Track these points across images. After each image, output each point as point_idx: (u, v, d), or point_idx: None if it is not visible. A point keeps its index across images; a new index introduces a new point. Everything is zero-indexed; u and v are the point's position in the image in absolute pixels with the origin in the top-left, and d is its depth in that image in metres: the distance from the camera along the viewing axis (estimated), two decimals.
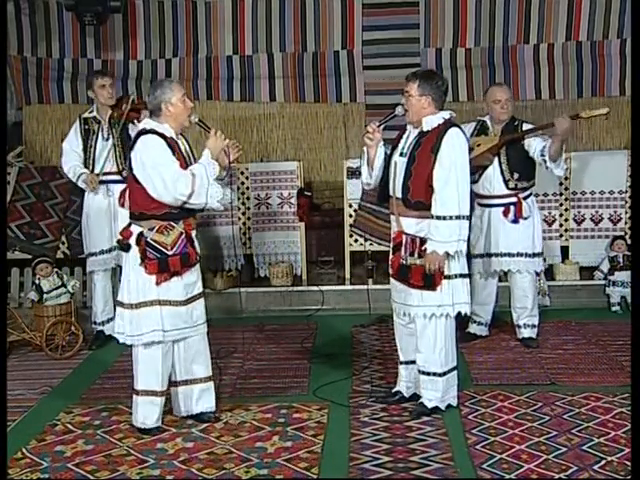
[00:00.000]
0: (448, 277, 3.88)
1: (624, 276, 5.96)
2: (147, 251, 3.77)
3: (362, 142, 4.12)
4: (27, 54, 7.93)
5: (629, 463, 3.33)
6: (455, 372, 4.07)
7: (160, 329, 3.80)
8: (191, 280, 3.92)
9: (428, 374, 4.00)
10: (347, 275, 6.59)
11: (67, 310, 5.44)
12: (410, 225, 3.93)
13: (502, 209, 5.08)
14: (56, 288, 5.50)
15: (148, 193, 3.73)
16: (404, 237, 3.95)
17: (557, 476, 3.31)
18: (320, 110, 7.93)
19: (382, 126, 4.04)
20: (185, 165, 3.80)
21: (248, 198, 6.70)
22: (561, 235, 6.47)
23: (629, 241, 6.08)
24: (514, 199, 5.06)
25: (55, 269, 5.64)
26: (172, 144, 3.79)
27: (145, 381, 3.88)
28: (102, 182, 5.40)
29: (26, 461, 3.63)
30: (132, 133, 5.20)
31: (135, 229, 3.82)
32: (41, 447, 3.79)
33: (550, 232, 6.33)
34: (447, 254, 3.82)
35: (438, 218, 3.80)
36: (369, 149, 4.07)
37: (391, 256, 4.05)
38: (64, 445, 3.80)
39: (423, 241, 3.88)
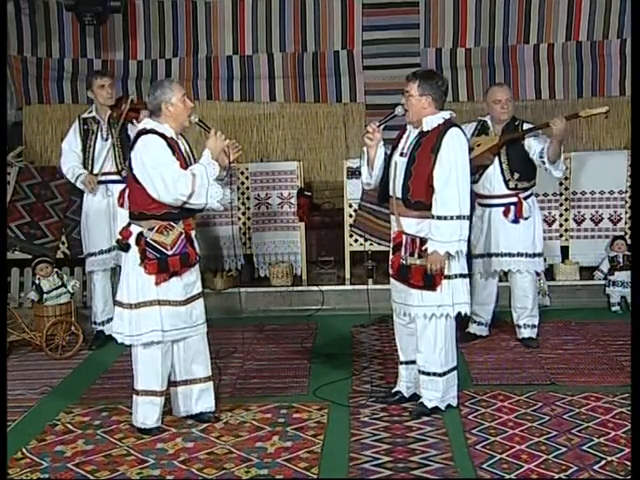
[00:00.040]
0: (448, 277, 3.88)
1: (624, 276, 5.96)
2: (147, 251, 3.77)
3: (362, 142, 4.12)
4: (27, 54, 7.93)
5: (629, 463, 3.33)
6: (455, 372, 4.07)
7: (159, 329, 3.80)
8: (190, 280, 3.92)
9: (428, 374, 4.00)
10: (347, 275, 6.59)
11: (67, 310, 5.44)
12: (410, 225, 3.93)
13: (502, 209, 5.08)
14: (56, 288, 5.50)
15: (148, 193, 3.73)
16: (404, 237, 3.95)
17: (557, 476, 3.31)
18: (320, 110, 7.93)
19: (382, 126, 4.04)
20: (185, 165, 3.80)
21: (248, 198, 6.70)
22: (561, 235, 6.47)
23: (629, 241, 6.08)
24: (514, 199, 5.06)
25: (55, 269, 5.64)
26: (172, 144, 3.79)
27: (145, 381, 3.88)
28: (101, 182, 5.40)
29: (26, 461, 3.63)
30: (131, 133, 5.21)
31: (135, 229, 3.82)
32: (41, 447, 3.79)
33: (550, 232, 6.33)
34: (448, 254, 3.82)
35: (439, 218, 3.80)
36: (369, 149, 4.07)
37: (391, 256, 4.05)
38: (64, 445, 3.80)
39: (423, 241, 3.88)
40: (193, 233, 3.92)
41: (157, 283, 3.79)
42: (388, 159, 4.06)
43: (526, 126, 5.07)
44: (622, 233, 6.30)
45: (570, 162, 6.35)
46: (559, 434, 3.72)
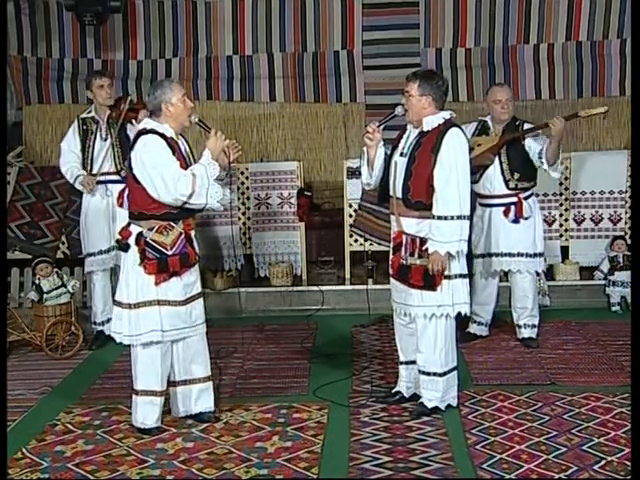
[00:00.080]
0: (448, 277, 3.88)
1: (624, 276, 5.96)
2: (146, 251, 3.76)
3: (362, 142, 4.12)
4: (27, 54, 7.94)
5: (629, 463, 3.33)
6: (455, 372, 4.07)
7: (159, 329, 3.80)
8: (190, 280, 3.92)
9: (428, 374, 4.00)
10: (347, 275, 6.59)
11: (67, 310, 5.44)
12: (410, 225, 3.93)
13: (503, 209, 5.08)
14: (56, 288, 5.50)
15: (148, 193, 3.73)
16: (404, 237, 3.95)
17: (557, 476, 3.31)
18: (320, 110, 7.94)
19: (382, 126, 4.03)
20: (185, 165, 3.80)
21: (248, 198, 6.70)
22: (561, 235, 6.47)
23: (629, 241, 6.08)
24: (515, 199, 5.06)
25: (55, 269, 5.64)
26: (172, 144, 3.79)
27: (144, 381, 3.88)
28: (100, 182, 5.40)
29: (26, 461, 3.63)
30: (130, 133, 5.22)
31: (134, 229, 3.82)
32: (41, 447, 3.79)
33: (550, 232, 6.33)
34: (449, 254, 3.82)
35: (439, 218, 3.80)
36: (369, 149, 4.06)
37: (391, 256, 4.05)
38: (64, 445, 3.80)
39: (423, 241, 3.88)
40: (193, 233, 3.92)
41: (157, 283, 3.79)
42: (388, 159, 4.05)
43: (527, 126, 5.07)
44: (622, 233, 6.29)
45: (570, 162, 6.36)
46: (559, 434, 3.72)
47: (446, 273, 3.86)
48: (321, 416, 4.06)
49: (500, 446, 3.62)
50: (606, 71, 7.55)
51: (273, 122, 7.96)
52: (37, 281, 5.53)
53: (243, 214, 6.70)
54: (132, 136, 4.57)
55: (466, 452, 3.57)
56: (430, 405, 4.02)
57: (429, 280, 3.87)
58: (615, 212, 6.36)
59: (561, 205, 6.43)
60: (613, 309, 6.02)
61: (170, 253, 3.79)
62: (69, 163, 5.43)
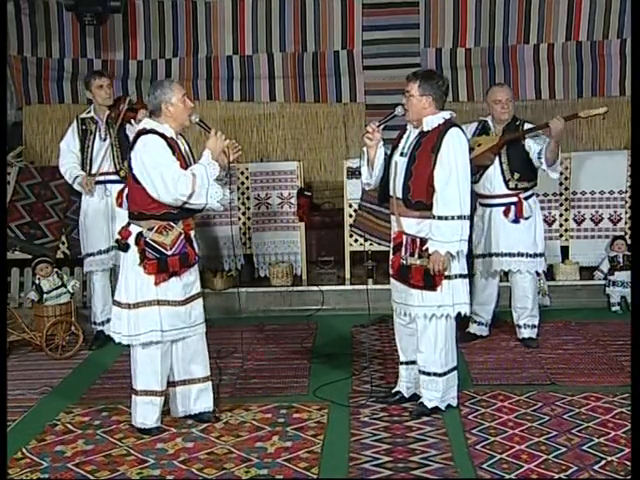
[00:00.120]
0: (448, 277, 3.88)
1: (624, 276, 5.96)
2: (146, 251, 3.76)
3: (362, 142, 4.12)
4: (27, 54, 7.94)
5: (629, 463, 3.33)
6: (455, 372, 4.07)
7: (158, 329, 3.80)
8: (190, 280, 3.92)
9: (428, 374, 4.00)
10: (347, 275, 6.59)
11: (67, 310, 5.44)
12: (411, 225, 3.93)
13: (503, 209, 5.08)
14: (56, 288, 5.50)
15: (148, 193, 3.73)
16: (404, 237, 3.95)
17: (557, 476, 3.31)
18: (320, 110, 7.94)
19: (382, 126, 4.03)
20: (185, 165, 3.80)
21: (248, 198, 6.70)
22: (561, 235, 6.47)
23: (629, 241, 6.08)
24: (515, 199, 5.06)
25: (55, 269, 5.64)
26: (172, 144, 3.79)
27: (144, 381, 3.88)
28: (100, 182, 5.40)
29: (26, 461, 3.63)
30: (129, 133, 5.23)
31: (134, 229, 3.82)
32: (41, 447, 3.79)
33: (550, 232, 6.33)
34: (449, 254, 3.82)
35: (439, 218, 3.80)
36: (369, 149, 4.06)
37: (391, 256, 4.05)
38: (64, 445, 3.80)
39: (423, 241, 3.88)
40: (192, 233, 3.92)
41: (156, 283, 3.79)
42: (388, 159, 4.05)
43: (527, 126, 5.07)
44: (622, 233, 6.29)
45: (570, 162, 6.36)
46: (559, 434, 3.72)
47: (446, 273, 3.86)
48: (321, 416, 4.05)
49: (500, 446, 3.62)
50: (606, 71, 7.55)
51: (273, 122, 7.97)
52: (37, 281, 5.53)
53: (243, 214, 6.70)
54: (131, 136, 4.57)
55: (466, 452, 3.57)
56: (430, 405, 4.02)
57: (429, 280, 3.87)
58: (615, 212, 6.36)
59: (561, 205, 6.43)
60: (613, 309, 6.02)
61: (170, 253, 3.79)
62: (68, 164, 5.43)
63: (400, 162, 3.96)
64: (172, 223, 3.81)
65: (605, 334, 5.39)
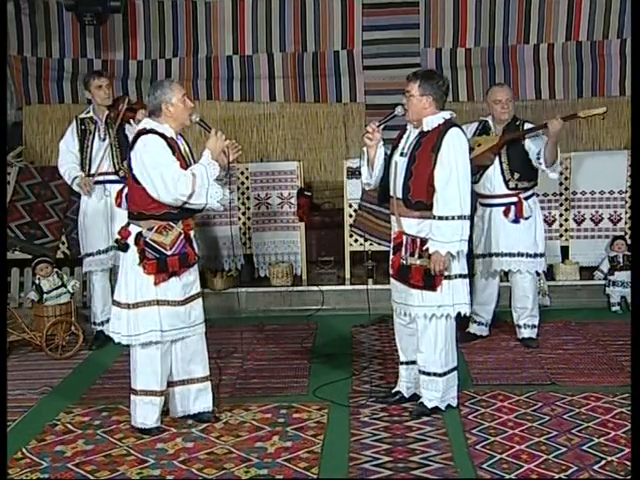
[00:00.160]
0: (448, 277, 3.88)
1: (624, 276, 5.96)
2: (146, 251, 3.76)
3: (362, 142, 4.12)
4: (27, 54, 7.94)
5: (629, 463, 3.33)
6: (455, 372, 4.07)
7: (158, 329, 3.80)
8: (189, 280, 3.92)
9: (428, 374, 4.00)
10: (347, 275, 6.59)
11: (67, 310, 5.44)
12: (411, 225, 3.93)
13: (503, 209, 5.08)
14: (56, 288, 5.50)
15: (147, 193, 3.73)
16: (404, 237, 3.95)
17: (557, 476, 3.31)
18: (320, 110, 7.94)
19: (382, 126, 4.03)
20: (185, 165, 3.80)
21: (248, 198, 6.70)
22: (561, 235, 6.47)
23: (629, 241, 6.08)
24: (515, 199, 5.06)
25: (55, 269, 5.64)
26: (172, 144, 3.79)
27: (144, 381, 3.87)
28: (99, 182, 5.40)
29: (26, 461, 3.63)
30: (128, 133, 5.23)
31: (134, 229, 3.82)
32: (41, 447, 3.79)
33: (550, 232, 6.33)
34: (449, 254, 3.82)
35: (440, 218, 3.80)
36: (369, 149, 4.06)
37: (391, 256, 4.05)
38: (64, 445, 3.80)
39: (423, 241, 3.88)
40: (192, 233, 3.92)
41: (156, 283, 3.79)
42: (388, 159, 4.05)
43: (527, 126, 5.07)
44: (622, 233, 6.29)
45: (570, 162, 6.36)
46: (559, 434, 3.72)
47: (446, 273, 3.86)
48: (321, 416, 4.05)
49: (500, 446, 3.62)
50: (606, 71, 7.55)
51: (273, 122, 7.97)
52: (37, 281, 5.53)
53: (243, 214, 6.70)
54: (130, 136, 4.58)
55: (466, 452, 3.57)
56: (430, 405, 4.02)
57: (429, 280, 3.87)
58: (615, 212, 6.36)
59: (561, 205, 6.44)
60: (613, 309, 6.02)
61: (169, 253, 3.79)
62: (67, 164, 5.43)
63: (400, 162, 3.96)
64: (172, 223, 3.81)
65: (605, 334, 5.39)
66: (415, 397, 4.15)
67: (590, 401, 4.14)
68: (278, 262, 6.60)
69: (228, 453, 3.64)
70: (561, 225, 6.45)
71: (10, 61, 7.89)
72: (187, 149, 3.95)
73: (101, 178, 5.40)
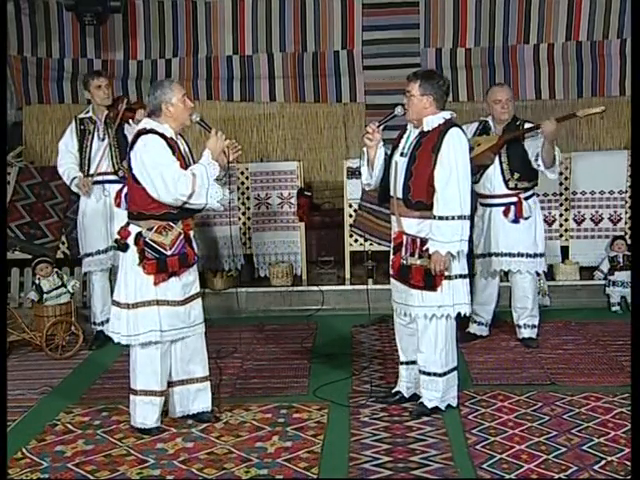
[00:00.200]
0: (448, 277, 3.88)
1: (624, 276, 5.96)
2: (145, 251, 3.76)
3: (362, 142, 4.12)
4: (27, 54, 7.94)
5: (629, 463, 3.33)
6: (455, 372, 4.07)
7: (158, 329, 3.80)
8: (189, 280, 3.92)
9: (428, 374, 4.00)
10: (347, 275, 6.59)
11: (67, 310, 5.44)
12: (411, 225, 3.93)
13: (503, 209, 5.08)
14: (56, 288, 5.50)
15: (147, 193, 3.73)
16: (405, 237, 3.95)
17: (557, 476, 3.31)
18: (320, 110, 7.94)
19: (382, 126, 4.03)
20: (185, 165, 3.80)
21: (248, 198, 6.70)
22: (561, 235, 6.47)
23: (629, 241, 6.08)
24: (514, 199, 5.06)
25: (55, 269, 5.64)
26: (172, 144, 3.79)
27: (144, 381, 3.87)
28: (98, 182, 5.40)
29: (26, 461, 3.63)
30: (127, 133, 5.23)
31: (133, 229, 3.81)
32: (41, 447, 3.79)
33: (550, 232, 6.33)
34: (450, 254, 3.81)
35: (440, 218, 3.80)
36: (369, 149, 4.06)
37: (392, 256, 4.05)
38: (64, 445, 3.80)
39: (424, 242, 3.88)
40: (192, 233, 3.92)
41: (156, 283, 3.79)
42: (388, 159, 4.05)
43: (527, 126, 5.06)
44: (622, 233, 6.30)
45: (570, 162, 6.36)
46: (559, 434, 3.72)
47: (446, 273, 3.86)
48: (321, 416, 4.05)
49: (500, 446, 3.62)
50: (606, 71, 7.55)
51: (273, 122, 7.97)
52: (37, 281, 5.53)
53: (243, 214, 6.70)
54: (129, 136, 4.57)
55: (466, 452, 3.57)
56: (430, 405, 4.02)
57: (429, 280, 3.87)
58: (615, 212, 6.36)
59: (561, 205, 6.44)
60: (613, 309, 6.02)
61: (169, 253, 3.79)
62: (66, 164, 5.43)
63: (400, 162, 3.96)
64: (172, 223, 3.81)
65: (605, 334, 5.39)
66: (415, 397, 4.15)
67: (590, 401, 4.14)
68: (278, 262, 6.60)
69: (228, 453, 3.64)
70: (561, 225, 6.45)
71: (10, 61, 7.89)
72: (187, 149, 3.95)
73: (100, 178, 5.39)
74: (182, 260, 3.83)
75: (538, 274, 5.35)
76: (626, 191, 6.33)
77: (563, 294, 6.20)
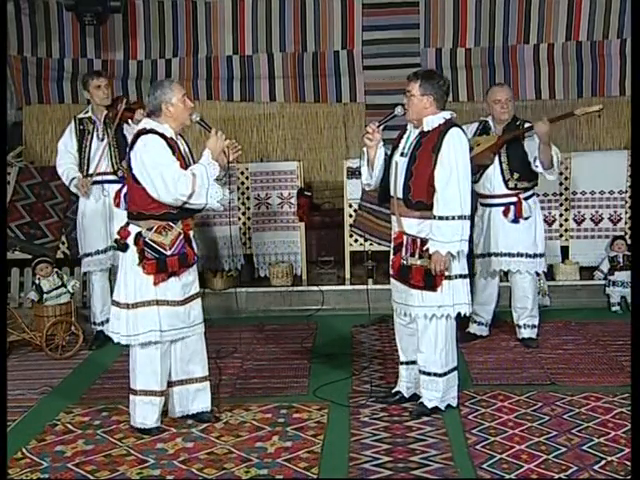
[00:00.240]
0: (448, 277, 3.88)
1: (624, 276, 5.96)
2: (145, 251, 3.76)
3: (362, 142, 4.12)
4: (27, 54, 7.94)
5: (629, 463, 3.33)
6: (455, 372, 4.07)
7: (157, 329, 3.80)
8: (189, 280, 3.92)
9: (428, 374, 4.00)
10: (347, 275, 6.58)
11: (67, 310, 5.44)
12: (411, 225, 3.93)
13: (502, 209, 5.08)
14: (56, 288, 5.50)
15: (147, 193, 3.73)
16: (405, 237, 3.95)
17: (557, 476, 3.31)
18: (320, 110, 7.94)
19: (382, 126, 4.03)
20: (185, 165, 3.80)
21: (248, 198, 6.70)
22: (561, 235, 6.47)
23: (629, 241, 6.08)
24: (514, 199, 5.06)
25: (55, 269, 5.64)
26: (172, 144, 3.79)
27: (144, 381, 3.87)
28: (97, 182, 5.39)
29: (26, 461, 3.63)
30: (127, 133, 5.23)
31: (133, 229, 3.81)
32: (41, 447, 3.79)
33: (550, 232, 6.33)
34: (450, 254, 3.81)
35: (440, 218, 3.80)
36: (369, 150, 4.06)
37: (392, 256, 4.05)
38: (64, 445, 3.80)
39: (424, 242, 3.88)
40: (191, 233, 3.92)
41: (155, 283, 3.79)
42: (389, 159, 4.05)
43: (527, 126, 5.06)
44: (622, 233, 6.30)
45: (570, 162, 6.36)
46: (559, 434, 3.72)
47: (446, 273, 3.86)
48: (321, 416, 4.05)
49: (500, 446, 3.61)
50: (606, 71, 7.55)
51: (273, 122, 7.97)
52: (37, 281, 5.53)
53: (243, 214, 6.70)
54: (129, 136, 4.57)
55: (466, 452, 3.57)
56: (430, 405, 4.02)
57: (429, 280, 3.87)
58: (615, 212, 6.36)
59: (561, 205, 6.44)
60: (613, 309, 6.02)
61: (169, 253, 3.78)
62: (65, 164, 5.43)
63: (400, 162, 3.96)
64: (171, 223, 3.80)
65: (605, 334, 5.39)
66: (415, 397, 4.15)
67: (590, 401, 4.14)
68: (278, 262, 6.60)
69: (228, 453, 3.64)
70: (561, 225, 6.45)
71: (10, 61, 7.89)
72: (187, 149, 3.95)
73: (99, 178, 5.39)
74: (182, 260, 3.83)
75: (538, 274, 5.35)
76: (626, 191, 6.33)
77: (563, 294, 6.20)
